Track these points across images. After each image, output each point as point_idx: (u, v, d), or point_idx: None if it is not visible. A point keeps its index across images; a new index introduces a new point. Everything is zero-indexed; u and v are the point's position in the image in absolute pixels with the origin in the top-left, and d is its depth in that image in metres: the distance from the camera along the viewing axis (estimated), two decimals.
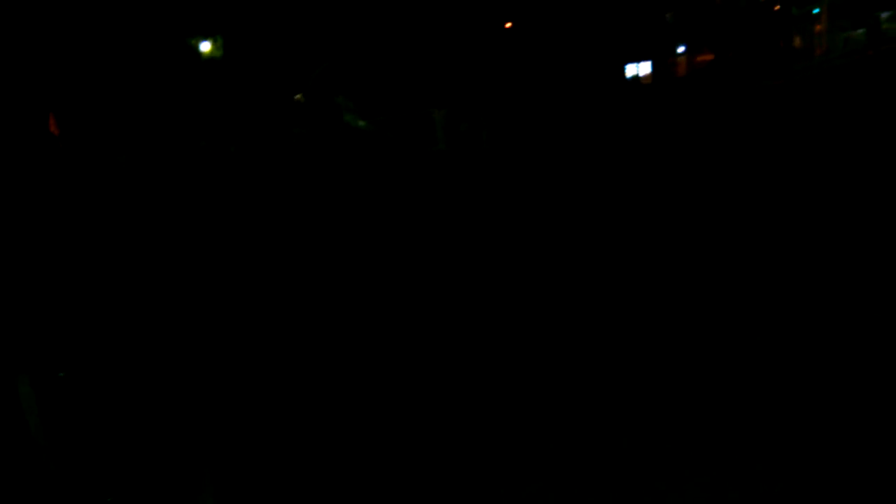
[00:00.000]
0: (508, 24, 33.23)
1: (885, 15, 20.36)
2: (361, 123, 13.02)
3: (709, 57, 39.81)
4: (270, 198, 11.86)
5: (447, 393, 3.89)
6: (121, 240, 9.59)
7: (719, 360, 3.80)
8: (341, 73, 18.39)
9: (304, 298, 5.98)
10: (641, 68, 37.74)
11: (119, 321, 5.84)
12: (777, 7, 34.94)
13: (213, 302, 6.30)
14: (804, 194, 6.90)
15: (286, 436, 3.74)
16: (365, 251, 7.43)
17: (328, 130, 12.80)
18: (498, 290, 5.41)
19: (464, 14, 26.39)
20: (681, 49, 38.09)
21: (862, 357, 3.64)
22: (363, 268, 6.66)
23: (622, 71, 36.46)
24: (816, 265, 4.97)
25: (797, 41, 29.92)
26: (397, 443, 3.47)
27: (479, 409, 3.65)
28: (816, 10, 23.46)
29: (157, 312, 6.26)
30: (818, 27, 23.70)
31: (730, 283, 4.88)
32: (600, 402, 3.53)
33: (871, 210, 5.96)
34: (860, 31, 19.98)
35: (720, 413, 3.33)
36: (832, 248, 5.26)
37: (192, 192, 13.49)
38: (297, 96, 26.07)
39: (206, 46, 31.06)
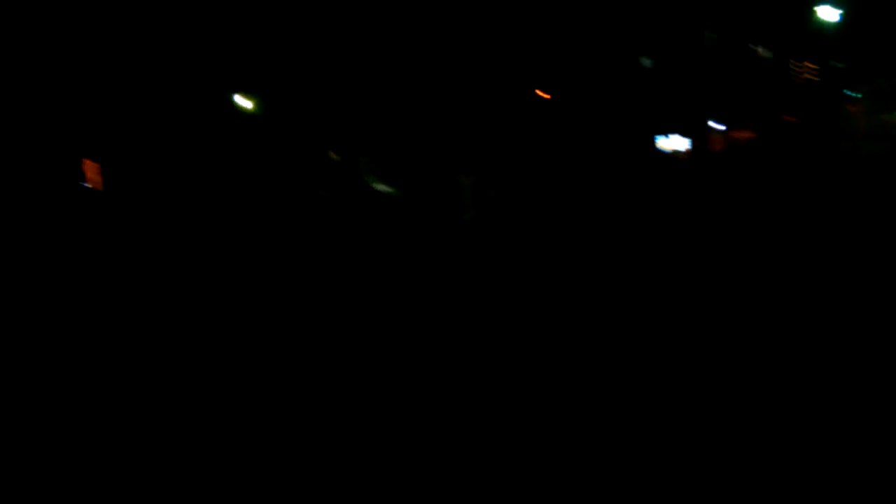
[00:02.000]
0: (546, 95, 33.42)
1: None
2: (383, 187, 12.59)
3: (746, 134, 39.42)
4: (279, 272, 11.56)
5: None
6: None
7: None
8: (367, 131, 18.18)
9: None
10: (677, 142, 37.56)
11: None
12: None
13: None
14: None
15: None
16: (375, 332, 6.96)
17: (351, 193, 12.39)
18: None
19: (497, 79, 26.42)
20: (716, 124, 37.92)
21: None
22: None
23: (653, 143, 36.29)
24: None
25: (836, 122, 30.24)
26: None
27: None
28: (857, 94, 23.17)
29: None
30: (851, 108, 23.59)
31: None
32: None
33: None
34: None
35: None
36: None
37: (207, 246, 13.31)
38: (332, 154, 26.15)
39: (245, 102, 31.59)
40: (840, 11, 22.51)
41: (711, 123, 37.29)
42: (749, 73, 36.41)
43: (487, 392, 4.68)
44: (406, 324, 6.70)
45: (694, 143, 37.06)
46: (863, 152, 18.75)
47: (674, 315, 6.28)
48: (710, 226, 11.03)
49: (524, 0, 28.26)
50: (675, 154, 36.83)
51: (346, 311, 7.46)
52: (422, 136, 19.73)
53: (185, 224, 16.39)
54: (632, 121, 33.92)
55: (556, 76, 32.17)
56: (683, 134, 37.02)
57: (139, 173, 29.18)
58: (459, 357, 5.54)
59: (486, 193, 13.97)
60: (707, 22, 35.17)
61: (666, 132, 36.66)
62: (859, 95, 22.48)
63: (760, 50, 36.90)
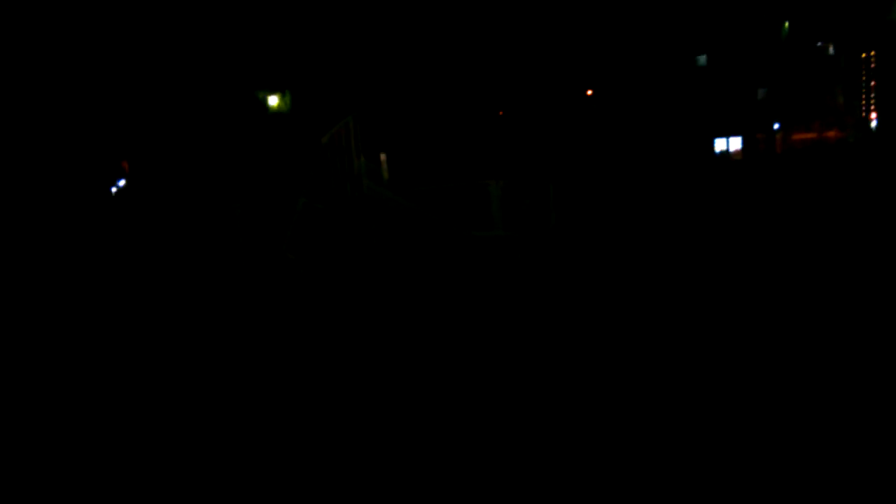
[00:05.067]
0: (589, 92, 31.34)
1: None
2: (388, 194, 10.54)
3: (806, 135, 37.09)
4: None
5: None
6: None
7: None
8: (369, 127, 16.27)
9: None
10: (731, 143, 35.35)
11: None
12: None
13: None
14: None
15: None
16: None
17: (347, 202, 10.40)
18: None
19: (535, 73, 24.47)
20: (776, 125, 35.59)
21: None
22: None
23: (711, 145, 34.08)
24: None
25: None
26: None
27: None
28: None
29: None
30: None
31: None
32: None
33: None
34: None
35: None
36: None
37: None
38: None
39: (273, 100, 30.79)
40: None
41: (774, 125, 34.90)
42: (816, 71, 33.83)
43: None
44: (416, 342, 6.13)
45: (751, 144, 34.69)
46: None
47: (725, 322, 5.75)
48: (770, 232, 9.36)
49: None
50: (729, 155, 34.56)
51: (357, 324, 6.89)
52: (439, 133, 17.68)
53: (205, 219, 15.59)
54: (684, 121, 31.72)
55: (600, 73, 30.09)
56: (741, 134, 34.71)
57: (165, 173, 28.64)
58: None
59: (520, 203, 11.72)
60: (774, 16, 32.72)
61: (722, 133, 34.43)
62: None
63: (830, 47, 34.32)
